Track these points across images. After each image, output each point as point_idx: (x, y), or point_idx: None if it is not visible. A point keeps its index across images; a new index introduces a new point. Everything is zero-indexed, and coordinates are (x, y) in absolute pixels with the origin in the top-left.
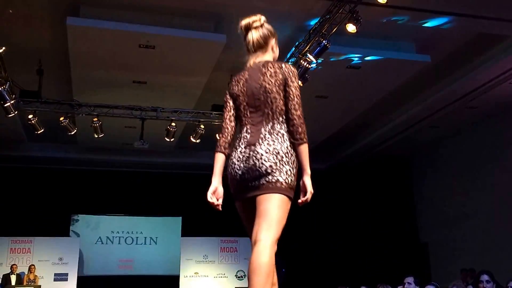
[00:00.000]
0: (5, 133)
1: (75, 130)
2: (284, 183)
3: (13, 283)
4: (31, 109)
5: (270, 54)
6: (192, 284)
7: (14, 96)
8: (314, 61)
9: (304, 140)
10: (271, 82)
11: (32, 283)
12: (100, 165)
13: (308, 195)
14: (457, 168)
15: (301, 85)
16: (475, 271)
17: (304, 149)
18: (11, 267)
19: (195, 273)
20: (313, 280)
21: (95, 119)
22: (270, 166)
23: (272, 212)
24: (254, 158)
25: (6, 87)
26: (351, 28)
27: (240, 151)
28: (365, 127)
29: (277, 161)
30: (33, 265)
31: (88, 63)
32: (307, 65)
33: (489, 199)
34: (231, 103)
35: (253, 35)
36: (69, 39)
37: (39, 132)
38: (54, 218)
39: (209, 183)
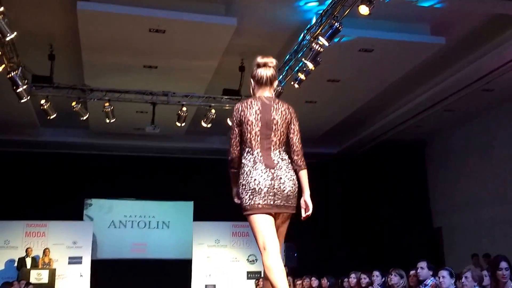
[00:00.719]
0: (18, 119)
1: (87, 115)
2: (295, 205)
3: (28, 266)
4: (43, 94)
5: (272, 91)
6: (204, 268)
7: (26, 81)
8: (326, 44)
9: (305, 166)
10: (282, 118)
11: (47, 266)
12: (113, 150)
13: (310, 211)
14: (472, 153)
15: (313, 68)
16: (490, 256)
17: (305, 173)
18: (26, 250)
19: (207, 257)
20: (325, 265)
21: (107, 104)
22: (290, 191)
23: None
24: (278, 180)
25: (18, 73)
26: (363, 10)
27: (262, 170)
28: (378, 111)
29: (294, 188)
30: (48, 248)
31: (99, 48)
32: (319, 49)
33: (504, 185)
34: (237, 130)
35: (267, 73)
36: (80, 24)
37: (51, 117)
38: (68, 202)
39: (220, 167)
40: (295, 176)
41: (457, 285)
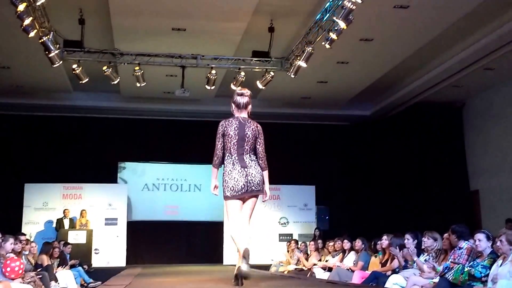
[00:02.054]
0: (52, 84)
1: (118, 79)
2: (262, 191)
3: (66, 227)
4: (75, 59)
5: (247, 113)
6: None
7: (58, 46)
8: (359, 1)
9: (266, 168)
10: (252, 133)
11: (84, 227)
12: (144, 114)
13: (267, 198)
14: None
15: (345, 27)
16: None
17: (266, 173)
18: (64, 211)
19: None
20: (358, 227)
21: (137, 67)
22: (260, 180)
23: (254, 207)
24: (250, 175)
25: (50, 37)
26: None
27: (239, 171)
28: (413, 71)
29: (261, 178)
30: (84, 210)
31: (128, 11)
32: (352, 6)
33: None
34: (222, 139)
35: (243, 100)
36: None
37: (83, 82)
38: (102, 166)
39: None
40: (261, 171)
41: (494, 249)
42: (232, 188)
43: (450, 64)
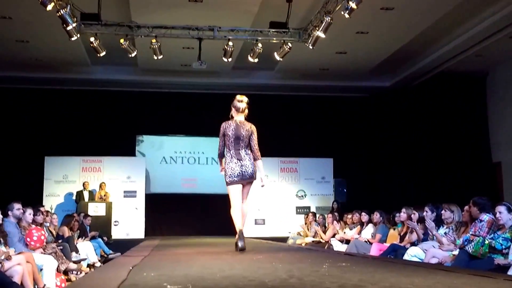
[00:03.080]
0: (70, 57)
1: (135, 52)
2: (255, 177)
3: (86, 199)
4: (92, 32)
5: (244, 116)
6: (254, 203)
7: (75, 19)
8: None
9: (260, 158)
10: (246, 133)
11: (103, 200)
12: (161, 87)
13: (264, 184)
14: None
15: None
16: None
17: (260, 162)
18: (83, 184)
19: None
20: (376, 200)
21: (154, 40)
22: (252, 171)
23: (249, 190)
24: (244, 166)
25: (67, 10)
26: None
27: (235, 162)
28: (435, 40)
29: (254, 169)
30: (104, 182)
31: None
32: None
33: None
34: (223, 137)
35: (242, 105)
36: None
37: (101, 55)
38: (120, 139)
39: (267, 103)
40: (253, 163)
41: None
42: (230, 176)
43: (473, 33)
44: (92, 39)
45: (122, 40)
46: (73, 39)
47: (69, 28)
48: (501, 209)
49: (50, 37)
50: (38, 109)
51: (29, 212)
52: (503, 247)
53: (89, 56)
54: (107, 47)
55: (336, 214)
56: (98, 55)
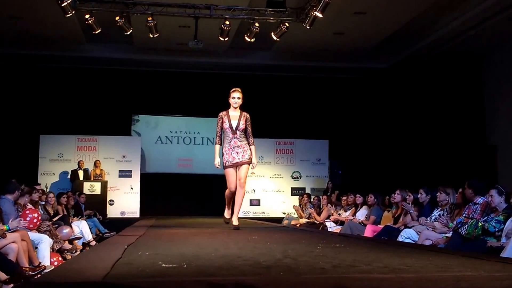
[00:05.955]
0: (65, 34)
1: (131, 30)
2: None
3: (81, 178)
4: (87, 9)
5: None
6: (249, 184)
7: None
8: None
9: (253, 144)
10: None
11: (98, 178)
12: (157, 66)
13: (255, 167)
14: None
15: None
16: None
17: (254, 147)
18: (79, 163)
19: (251, 173)
20: (371, 182)
21: (150, 18)
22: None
23: (246, 172)
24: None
25: None
26: None
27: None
28: (434, 21)
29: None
30: (98, 160)
31: None
32: None
33: None
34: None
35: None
36: None
37: (96, 32)
38: (116, 118)
39: (265, 83)
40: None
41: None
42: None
43: (471, 14)
44: (87, 16)
45: (117, 18)
46: (68, 15)
47: (64, 4)
48: (492, 193)
49: (44, 13)
50: (33, 87)
51: (26, 190)
52: (496, 229)
53: (85, 34)
54: (102, 25)
55: (332, 195)
56: (94, 32)
